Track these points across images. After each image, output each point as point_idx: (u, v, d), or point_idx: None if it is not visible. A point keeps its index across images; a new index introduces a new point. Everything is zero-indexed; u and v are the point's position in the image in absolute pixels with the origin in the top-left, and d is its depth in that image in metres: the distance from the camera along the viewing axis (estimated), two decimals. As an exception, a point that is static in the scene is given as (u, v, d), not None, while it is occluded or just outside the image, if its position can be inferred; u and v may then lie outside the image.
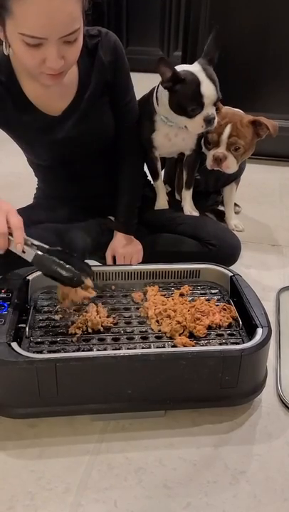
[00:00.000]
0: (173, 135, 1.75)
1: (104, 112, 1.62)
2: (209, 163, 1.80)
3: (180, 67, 1.60)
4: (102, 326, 1.34)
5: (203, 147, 1.83)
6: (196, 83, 1.57)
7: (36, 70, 1.33)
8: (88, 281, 1.33)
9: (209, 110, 1.61)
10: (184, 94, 1.58)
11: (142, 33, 4.30)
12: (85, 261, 1.40)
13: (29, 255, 1.28)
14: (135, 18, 4.14)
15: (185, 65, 1.62)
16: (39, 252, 1.29)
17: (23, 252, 1.28)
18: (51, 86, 1.43)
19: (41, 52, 1.28)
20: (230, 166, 1.79)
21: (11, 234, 1.27)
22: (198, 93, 1.57)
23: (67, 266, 1.29)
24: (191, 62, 1.64)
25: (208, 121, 1.62)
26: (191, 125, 1.64)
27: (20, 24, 1.23)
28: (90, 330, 1.33)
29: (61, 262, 1.29)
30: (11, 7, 1.21)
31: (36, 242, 1.31)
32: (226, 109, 1.80)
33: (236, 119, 1.75)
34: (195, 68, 1.59)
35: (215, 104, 1.62)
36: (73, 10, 1.25)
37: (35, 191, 1.93)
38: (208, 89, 1.58)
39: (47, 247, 1.32)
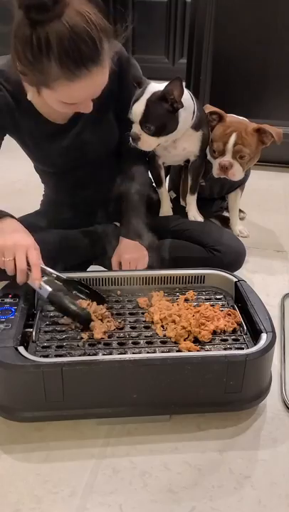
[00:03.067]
0: (172, 148, 1.75)
1: (109, 120, 1.63)
2: (216, 172, 1.81)
3: (161, 85, 1.59)
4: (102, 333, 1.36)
5: (209, 155, 1.83)
6: (136, 98, 1.59)
7: (64, 108, 1.37)
8: (97, 323, 1.37)
9: (134, 128, 1.62)
10: (132, 103, 1.61)
11: (148, 41, 4.31)
12: (96, 290, 1.46)
13: (44, 292, 1.34)
14: (141, 26, 4.16)
15: (164, 84, 1.59)
16: (53, 290, 1.34)
17: (40, 288, 1.34)
18: None
19: (76, 106, 1.35)
20: (237, 173, 1.79)
21: (29, 269, 1.34)
22: (131, 107, 1.60)
23: (78, 306, 1.36)
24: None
25: (131, 137, 1.63)
26: None
27: (61, 96, 1.29)
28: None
29: (73, 301, 1.36)
30: (54, 87, 1.27)
31: (55, 272, 1.39)
32: (231, 117, 1.81)
33: (241, 128, 1.75)
34: (152, 88, 1.59)
35: (145, 128, 1.59)
36: (108, 73, 1.31)
37: (42, 197, 1.93)
38: (137, 108, 1.59)
39: (64, 277, 1.40)
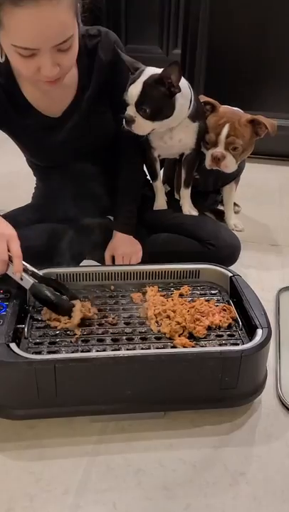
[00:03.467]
0: (168, 138, 1.75)
1: (105, 112, 1.63)
2: (208, 163, 1.80)
3: (158, 69, 1.59)
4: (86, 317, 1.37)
5: (202, 147, 1.83)
6: (133, 80, 1.58)
7: (33, 78, 1.34)
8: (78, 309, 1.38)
9: (129, 110, 1.60)
10: (127, 85, 1.60)
11: (141, 31, 4.29)
12: (69, 289, 1.45)
13: (26, 283, 1.34)
14: (134, 16, 4.14)
15: (159, 69, 1.59)
16: (35, 281, 1.35)
17: (21, 279, 1.34)
18: (50, 90, 1.44)
19: (35, 61, 1.28)
20: (229, 165, 1.79)
21: (10, 260, 1.32)
22: (127, 89, 1.58)
23: (62, 296, 1.37)
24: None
25: (125, 120, 1.61)
26: None
27: (12, 36, 1.23)
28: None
29: (56, 293, 1.37)
30: (2, 19, 1.22)
31: (31, 268, 1.38)
32: (224, 108, 1.80)
33: (234, 119, 1.75)
34: (148, 71, 1.58)
35: (140, 110, 1.58)
36: (65, 18, 1.24)
37: (33, 191, 1.93)
38: (133, 90, 1.57)
39: (41, 273, 1.40)
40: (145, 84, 1.56)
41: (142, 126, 1.62)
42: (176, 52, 3.64)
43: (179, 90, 1.58)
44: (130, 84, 1.58)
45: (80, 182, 1.71)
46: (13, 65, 1.33)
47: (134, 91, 1.57)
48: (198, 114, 1.75)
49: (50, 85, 1.37)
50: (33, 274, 1.38)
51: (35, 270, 1.39)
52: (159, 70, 1.58)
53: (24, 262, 1.35)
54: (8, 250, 1.31)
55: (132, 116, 1.60)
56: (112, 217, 1.82)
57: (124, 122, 1.61)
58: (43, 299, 1.36)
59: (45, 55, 1.27)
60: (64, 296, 1.40)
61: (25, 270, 1.36)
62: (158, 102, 1.59)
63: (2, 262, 1.31)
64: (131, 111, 1.60)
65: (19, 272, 1.32)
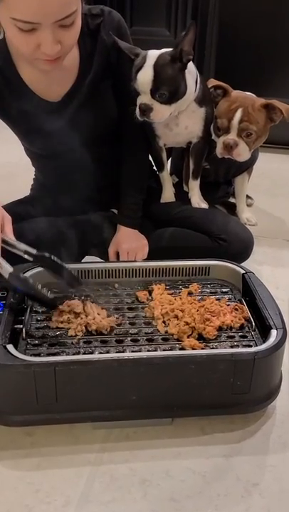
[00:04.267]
0: (174, 124, 1.74)
1: (107, 97, 1.62)
2: (219, 151, 1.79)
3: (159, 51, 1.58)
4: (108, 328, 1.35)
5: (213, 134, 1.82)
6: (139, 67, 1.55)
7: (31, 56, 1.33)
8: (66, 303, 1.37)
9: (143, 99, 1.58)
10: (131, 73, 1.58)
11: (148, 11, 4.28)
12: (72, 272, 1.41)
13: (4, 272, 1.30)
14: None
15: (168, 49, 1.58)
16: (13, 271, 1.29)
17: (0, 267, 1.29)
18: (50, 71, 1.43)
19: (35, 37, 1.27)
20: (242, 153, 1.77)
21: None
22: (135, 77, 1.56)
23: (42, 289, 1.32)
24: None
25: (141, 110, 1.59)
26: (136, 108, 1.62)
27: (12, 8, 1.22)
28: (93, 332, 1.34)
29: (36, 287, 1.32)
30: None
31: (24, 246, 1.33)
32: (237, 92, 1.79)
33: (247, 103, 1.73)
34: (153, 53, 1.57)
35: (158, 96, 1.57)
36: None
37: (32, 182, 1.93)
38: (144, 77, 1.55)
39: (34, 251, 1.35)
40: (157, 66, 1.54)
41: (160, 112, 1.60)
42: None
43: (192, 55, 1.56)
44: (137, 72, 1.56)
45: (82, 173, 1.70)
46: (12, 41, 1.32)
47: (145, 77, 1.55)
48: (205, 98, 1.74)
49: (50, 65, 1.36)
50: (27, 252, 1.33)
51: (28, 248, 1.34)
52: (160, 51, 1.56)
53: (14, 240, 1.32)
54: None
55: (148, 104, 1.58)
56: (116, 211, 1.82)
57: (137, 113, 1.60)
58: (22, 290, 1.33)
59: (46, 31, 1.26)
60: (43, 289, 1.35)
61: (16, 248, 1.32)
62: (175, 81, 1.57)
63: None
64: (146, 99, 1.58)
65: None
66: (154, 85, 1.55)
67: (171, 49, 1.56)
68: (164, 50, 1.56)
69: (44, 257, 1.36)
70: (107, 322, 1.34)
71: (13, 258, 1.32)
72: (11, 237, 1.32)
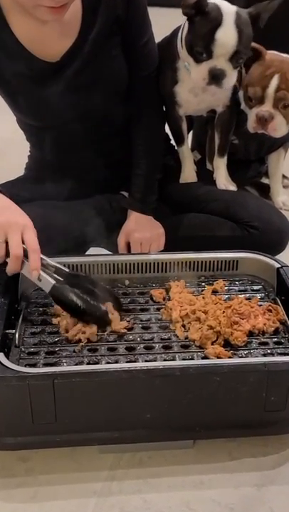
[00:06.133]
0: (200, 89, 1.73)
1: (115, 57, 1.62)
2: (251, 125, 1.78)
3: (214, 1, 1.57)
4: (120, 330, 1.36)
5: (243, 104, 1.81)
6: (216, 23, 1.53)
7: (33, 2, 1.33)
8: (115, 319, 1.38)
9: (219, 63, 1.57)
10: (197, 30, 1.56)
11: None
12: (113, 292, 1.44)
13: (46, 284, 1.33)
14: None
15: (224, 1, 1.58)
16: (56, 283, 1.33)
17: (39, 279, 1.32)
18: (49, 22, 1.43)
19: None
20: (278, 128, 1.76)
21: (25, 255, 1.31)
22: (212, 36, 1.54)
23: (92, 302, 1.35)
24: None
25: (214, 76, 1.59)
26: (193, 72, 1.62)
27: None
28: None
29: (84, 295, 1.35)
30: None
31: (54, 263, 1.37)
32: (272, 55, 1.77)
33: (285, 68, 1.72)
34: (229, 8, 1.56)
35: (235, 61, 1.58)
36: None
37: (26, 160, 1.93)
38: (227, 37, 1.54)
39: (67, 270, 1.38)
40: (240, 26, 1.54)
41: (232, 79, 1.62)
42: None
43: (264, 21, 1.59)
44: (214, 30, 1.54)
45: (85, 148, 1.70)
46: None
47: (229, 38, 1.54)
48: None
49: (53, 14, 1.36)
50: (57, 271, 1.37)
51: (59, 265, 1.38)
52: (233, 7, 1.57)
53: (43, 256, 1.35)
54: (23, 243, 1.31)
55: (225, 71, 1.58)
56: (126, 193, 1.82)
57: (203, 79, 1.60)
58: (67, 304, 1.35)
59: None
60: (94, 302, 1.38)
61: (45, 266, 1.35)
62: (250, 44, 1.60)
63: (15, 259, 1.30)
64: (222, 64, 1.58)
65: (36, 270, 1.31)
66: (238, 47, 1.56)
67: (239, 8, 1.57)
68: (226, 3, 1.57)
69: (78, 276, 1.41)
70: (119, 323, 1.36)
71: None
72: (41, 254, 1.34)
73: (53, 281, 1.33)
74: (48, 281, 1.33)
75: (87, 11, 1.54)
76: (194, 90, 1.73)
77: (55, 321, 1.38)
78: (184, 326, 1.37)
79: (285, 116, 1.74)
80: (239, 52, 1.56)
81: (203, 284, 1.52)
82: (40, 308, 1.43)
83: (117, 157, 1.70)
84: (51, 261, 1.37)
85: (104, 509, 1.17)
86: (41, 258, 1.33)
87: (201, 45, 1.55)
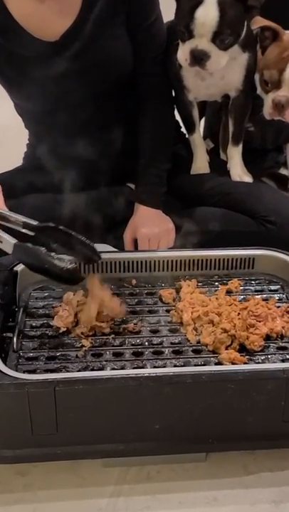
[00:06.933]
0: (206, 73, 1.72)
1: (118, 37, 1.62)
2: (268, 111, 1.77)
3: None
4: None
5: (259, 88, 1.80)
6: (197, 1, 1.54)
7: None
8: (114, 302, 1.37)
9: (201, 43, 1.57)
10: (180, 8, 1.58)
11: None
12: (89, 243, 1.38)
13: (7, 245, 1.29)
14: None
15: None
16: (17, 242, 1.29)
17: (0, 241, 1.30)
18: (46, 1, 1.43)
19: None
20: (297, 115, 1.76)
21: None
22: (192, 15, 1.55)
23: (58, 260, 1.29)
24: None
25: (195, 57, 1.59)
26: (178, 53, 1.62)
27: None
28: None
29: (50, 252, 1.29)
30: None
31: (21, 218, 1.34)
32: (289, 35, 1.77)
33: (305, 50, 1.72)
34: None
35: (220, 42, 1.57)
36: None
37: (25, 149, 1.93)
38: (206, 16, 1.54)
39: (35, 222, 1.34)
40: (222, 4, 1.54)
41: (218, 61, 1.61)
42: None
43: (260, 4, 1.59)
44: (194, 8, 1.55)
45: (87, 135, 1.70)
46: None
47: (208, 16, 1.55)
48: (250, 42, 1.73)
49: None
50: (26, 226, 1.34)
51: (27, 219, 1.34)
52: None
53: (9, 212, 1.33)
54: None
55: (206, 51, 1.58)
56: (133, 185, 1.81)
57: (186, 61, 1.60)
58: (30, 264, 1.32)
59: None
60: (68, 258, 1.32)
61: (11, 221, 1.33)
62: (238, 25, 1.60)
63: None
64: (203, 44, 1.58)
65: None
66: (219, 27, 1.55)
67: None
68: None
69: (49, 228, 1.35)
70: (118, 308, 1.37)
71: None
72: (3, 208, 1.33)
73: (14, 241, 1.29)
74: (8, 242, 1.29)
75: None
76: (201, 74, 1.73)
77: (55, 322, 1.37)
78: (195, 329, 1.37)
79: (304, 103, 1.74)
80: (222, 33, 1.56)
81: (216, 283, 1.53)
82: (40, 310, 1.43)
83: (123, 146, 1.70)
84: (19, 216, 1.34)
85: (110, 527, 1.17)
86: (5, 214, 1.32)
87: (182, 24, 1.57)
